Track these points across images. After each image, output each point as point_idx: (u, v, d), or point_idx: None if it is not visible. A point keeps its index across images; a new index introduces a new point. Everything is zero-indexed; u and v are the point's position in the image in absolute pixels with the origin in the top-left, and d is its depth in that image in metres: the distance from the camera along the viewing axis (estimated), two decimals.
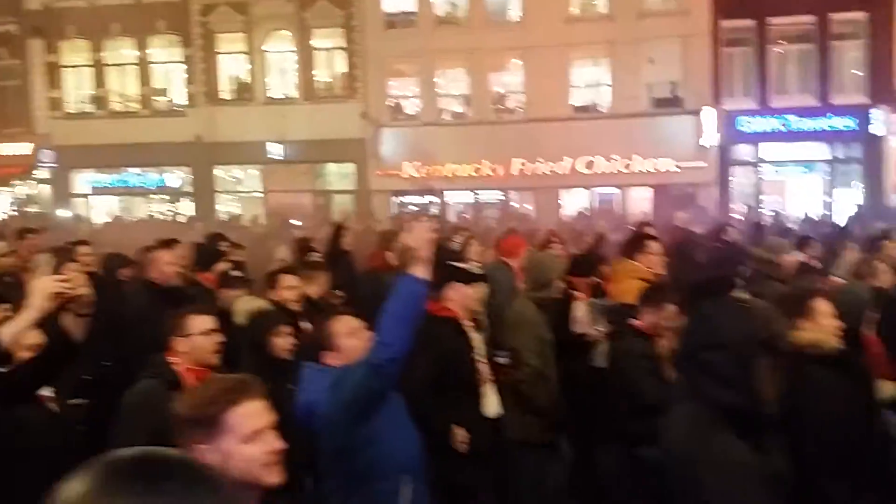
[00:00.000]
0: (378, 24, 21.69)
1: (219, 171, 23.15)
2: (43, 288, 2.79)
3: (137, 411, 3.31)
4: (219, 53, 22.71)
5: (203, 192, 22.90)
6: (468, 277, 4.25)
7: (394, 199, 22.07)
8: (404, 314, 2.75)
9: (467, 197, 22.04)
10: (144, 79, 23.09)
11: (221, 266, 5.92)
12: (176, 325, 3.51)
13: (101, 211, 23.13)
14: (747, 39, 19.79)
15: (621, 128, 19.91)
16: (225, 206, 23.07)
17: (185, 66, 22.79)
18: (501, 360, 4.06)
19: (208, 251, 6.37)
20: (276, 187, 22.93)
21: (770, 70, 19.74)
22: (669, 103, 20.42)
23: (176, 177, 23.48)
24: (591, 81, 21.43)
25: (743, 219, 16.26)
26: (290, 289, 4.82)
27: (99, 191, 23.86)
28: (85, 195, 23.81)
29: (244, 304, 4.74)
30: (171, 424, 3.31)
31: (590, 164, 20.36)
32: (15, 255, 7.10)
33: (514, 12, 21.38)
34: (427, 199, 21.64)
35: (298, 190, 22.82)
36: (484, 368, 4.03)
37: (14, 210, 23.08)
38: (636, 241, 5.02)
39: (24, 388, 3.43)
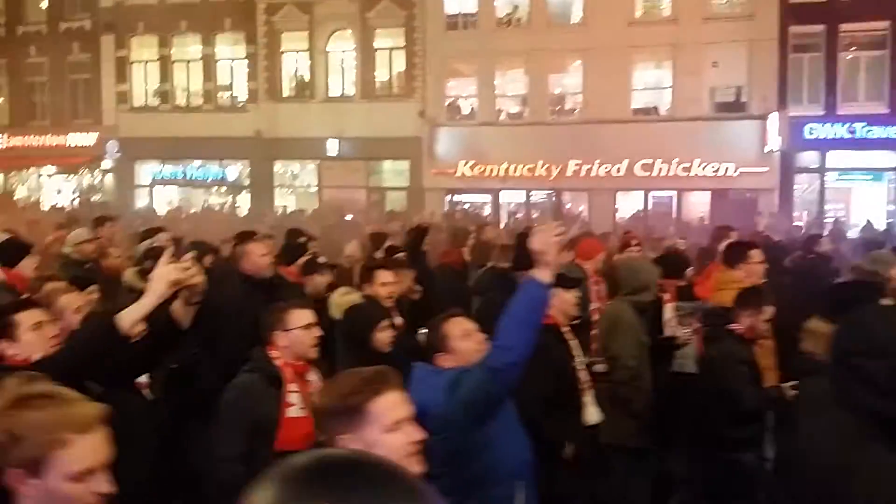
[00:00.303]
0: (439, 25, 21.81)
1: (277, 166, 23.56)
2: (165, 275, 2.82)
3: (238, 405, 3.37)
4: (282, 52, 23.10)
5: (261, 185, 23.32)
6: (567, 282, 4.18)
7: (447, 197, 22.14)
8: (527, 318, 2.69)
9: (520, 197, 22.00)
10: (209, 75, 23.64)
11: (304, 260, 6.02)
12: (276, 319, 3.52)
13: (162, 201, 23.71)
14: (816, 45, 19.35)
15: (682, 131, 19.64)
16: (281, 200, 23.46)
17: (248, 63, 23.24)
18: (599, 368, 3.98)
19: (292, 246, 6.44)
20: (332, 183, 23.21)
21: (839, 76, 19.25)
22: (733, 107, 20.09)
23: (235, 170, 23.97)
24: (652, 84, 21.21)
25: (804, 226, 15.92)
26: (385, 285, 4.84)
27: (161, 182, 24.52)
28: (147, 186, 24.50)
29: (340, 298, 4.77)
30: (270, 418, 3.36)
31: (648, 167, 20.13)
32: (96, 241, 7.28)
33: (576, 14, 21.27)
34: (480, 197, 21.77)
35: (353, 186, 23.01)
36: (584, 376, 3.99)
37: (79, 198, 23.84)
38: (738, 251, 4.91)
39: (127, 372, 3.51)
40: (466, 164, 21.55)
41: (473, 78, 22.27)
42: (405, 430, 2.05)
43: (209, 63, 23.59)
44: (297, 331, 3.47)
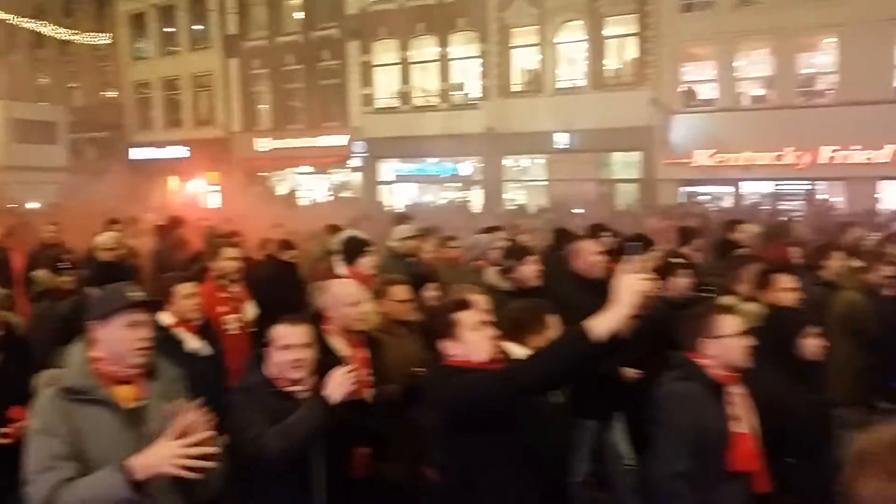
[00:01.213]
0: (673, 8, 21.09)
1: (507, 161, 24.07)
2: (632, 285, 2.69)
3: (681, 416, 3.22)
4: (512, 47, 23.51)
5: (491, 180, 23.94)
6: None
7: (681, 189, 21.39)
8: None
9: (766, 187, 20.69)
10: (444, 75, 24.65)
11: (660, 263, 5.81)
12: (703, 325, 3.38)
13: (401, 197, 25.15)
14: None
15: None
16: (510, 195, 23.97)
17: (480, 61, 23.90)
18: None
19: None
20: (560, 176, 23.25)
21: None
22: None
23: (468, 166, 24.80)
24: None
25: None
26: (788, 290, 4.43)
27: (401, 178, 26.00)
28: (389, 182, 26.12)
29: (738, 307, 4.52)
30: (718, 432, 3.13)
31: None
32: (419, 238, 7.44)
33: None
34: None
35: (581, 179, 22.86)
36: None
37: (331, 194, 25.99)
38: None
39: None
40: (703, 152, 20.70)
41: (711, 61, 21.25)
42: None
43: (444, 63, 24.57)
44: (728, 339, 3.31)
